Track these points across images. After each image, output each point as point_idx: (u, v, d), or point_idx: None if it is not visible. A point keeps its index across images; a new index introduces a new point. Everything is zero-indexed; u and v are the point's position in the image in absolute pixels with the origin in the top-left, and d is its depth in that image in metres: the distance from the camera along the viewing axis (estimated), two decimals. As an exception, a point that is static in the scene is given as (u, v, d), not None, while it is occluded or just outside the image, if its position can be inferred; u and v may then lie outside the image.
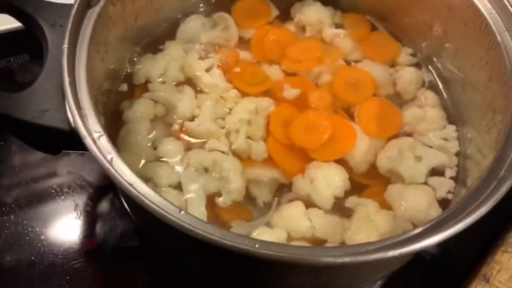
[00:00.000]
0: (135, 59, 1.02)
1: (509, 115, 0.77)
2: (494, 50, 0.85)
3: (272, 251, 0.62)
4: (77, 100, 0.72)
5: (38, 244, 1.01)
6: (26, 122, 0.74)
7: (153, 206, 0.63)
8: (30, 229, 1.02)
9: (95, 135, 0.70)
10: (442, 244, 0.97)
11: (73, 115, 0.69)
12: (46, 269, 0.98)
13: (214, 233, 0.62)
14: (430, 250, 1.04)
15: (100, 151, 0.68)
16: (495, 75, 0.86)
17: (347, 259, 0.61)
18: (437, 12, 0.98)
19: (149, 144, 0.92)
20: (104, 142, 0.70)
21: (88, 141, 0.67)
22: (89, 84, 0.75)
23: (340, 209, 0.89)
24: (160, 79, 1.00)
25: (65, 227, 1.03)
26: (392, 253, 0.62)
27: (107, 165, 0.66)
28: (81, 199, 1.06)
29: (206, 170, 0.90)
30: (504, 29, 0.85)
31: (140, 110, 0.94)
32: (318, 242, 0.85)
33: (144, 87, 1.00)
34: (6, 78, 1.20)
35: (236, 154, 0.93)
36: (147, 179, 0.86)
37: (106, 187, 1.07)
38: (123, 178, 0.65)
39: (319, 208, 0.88)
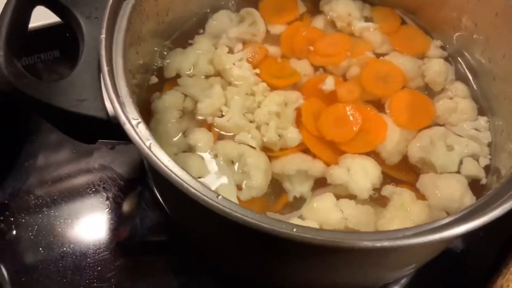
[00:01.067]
0: (165, 53, 1.04)
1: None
2: (528, 40, 0.85)
3: (310, 234, 0.63)
4: (115, 88, 0.73)
5: (70, 236, 1.02)
6: (64, 110, 0.75)
7: (193, 190, 0.64)
8: (62, 221, 1.04)
9: (134, 122, 0.71)
10: (469, 239, 1.02)
11: (112, 102, 0.71)
12: (78, 260, 1.00)
13: (253, 217, 0.63)
14: (457, 245, 1.04)
15: (140, 137, 0.69)
16: (527, 65, 0.86)
17: (386, 243, 0.61)
18: (467, 3, 0.98)
19: (179, 134, 0.93)
20: (142, 129, 0.71)
21: (128, 127, 0.68)
22: (126, 74, 0.76)
23: (374, 199, 0.90)
24: (190, 72, 1.01)
25: (96, 220, 1.05)
26: (430, 238, 0.62)
27: (147, 150, 0.67)
28: (111, 192, 1.07)
29: (232, 162, 0.91)
30: (539, 18, 0.85)
31: (168, 101, 0.95)
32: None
33: (174, 81, 1.01)
34: (38, 73, 1.22)
35: (268, 147, 0.94)
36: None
37: (136, 180, 1.09)
38: (163, 163, 0.66)
39: (357, 197, 0.88)
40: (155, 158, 0.66)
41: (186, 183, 0.65)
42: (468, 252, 1.04)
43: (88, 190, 1.07)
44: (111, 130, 0.76)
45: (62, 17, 0.88)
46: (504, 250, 1.00)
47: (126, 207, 1.07)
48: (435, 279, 1.02)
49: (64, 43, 1.14)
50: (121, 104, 0.72)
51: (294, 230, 0.63)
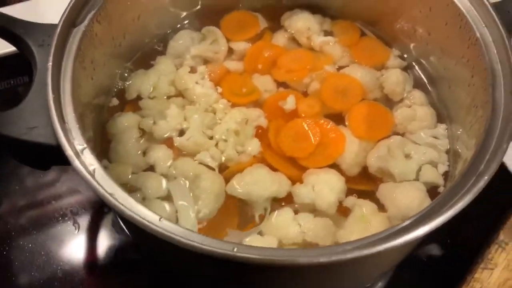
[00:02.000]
0: (126, 75, 1.05)
1: (489, 110, 0.77)
2: (474, 47, 0.86)
3: (250, 254, 0.63)
4: (61, 115, 0.75)
5: (40, 262, 1.03)
6: (14, 138, 0.76)
7: (132, 214, 0.65)
8: (32, 246, 1.04)
9: (79, 148, 0.72)
10: (441, 243, 1.02)
11: (56, 130, 0.72)
12: (48, 286, 1.01)
13: (192, 239, 0.64)
14: (430, 251, 1.05)
15: (82, 163, 0.70)
16: (476, 71, 0.86)
17: (322, 259, 0.62)
18: (419, 14, 0.99)
19: (138, 152, 0.94)
20: (87, 154, 0.72)
21: (70, 154, 0.70)
22: (74, 100, 0.78)
23: (337, 209, 0.90)
24: (151, 93, 1.02)
25: (65, 243, 1.05)
26: (367, 252, 0.63)
27: (88, 176, 0.68)
28: (79, 215, 1.08)
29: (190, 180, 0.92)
30: (483, 25, 0.85)
31: (126, 121, 0.97)
32: (311, 247, 0.86)
33: (136, 102, 1.02)
34: (7, 99, 1.24)
35: (226, 164, 0.95)
36: (136, 190, 0.88)
37: (103, 201, 1.09)
38: (103, 188, 0.67)
39: (324, 213, 0.89)
40: (95, 183, 0.67)
41: (126, 207, 0.66)
42: (435, 259, 1.04)
43: (56, 214, 1.08)
44: (62, 156, 0.77)
45: (17, 46, 0.89)
46: (469, 258, 1.00)
47: (94, 229, 1.07)
48: (404, 285, 1.03)
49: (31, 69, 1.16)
50: (66, 131, 0.73)
51: (235, 249, 0.64)
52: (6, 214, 1.09)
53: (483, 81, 0.83)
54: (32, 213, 1.09)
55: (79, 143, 0.73)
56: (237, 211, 0.91)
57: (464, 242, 1.04)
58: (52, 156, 0.79)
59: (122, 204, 0.66)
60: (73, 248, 1.05)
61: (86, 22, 0.86)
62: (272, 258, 0.62)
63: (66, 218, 1.07)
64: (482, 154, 0.73)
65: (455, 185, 0.72)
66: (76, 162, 0.69)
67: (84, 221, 1.08)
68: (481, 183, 0.69)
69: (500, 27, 0.83)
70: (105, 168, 0.88)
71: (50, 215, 1.08)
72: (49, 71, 0.78)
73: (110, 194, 0.67)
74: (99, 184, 0.68)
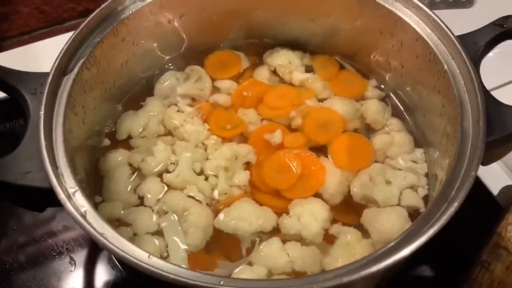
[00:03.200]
0: (117, 116, 1.10)
1: (458, 140, 0.81)
2: (443, 78, 0.90)
3: (235, 286, 0.67)
4: (53, 161, 0.79)
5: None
6: (10, 184, 0.80)
7: (122, 253, 0.69)
8: (28, 285, 1.07)
9: (70, 191, 0.76)
10: (429, 265, 1.06)
11: (48, 175, 0.76)
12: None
13: (180, 275, 0.67)
14: (416, 272, 1.08)
15: (74, 206, 0.74)
16: (446, 101, 0.91)
17: (305, 288, 0.65)
18: (392, 48, 1.04)
19: (128, 189, 0.98)
20: (79, 196, 0.76)
21: (62, 197, 0.74)
22: (66, 145, 0.82)
23: (323, 237, 0.94)
24: (141, 133, 1.07)
25: (62, 282, 1.08)
26: (347, 279, 0.66)
27: (79, 217, 0.72)
28: (75, 253, 1.10)
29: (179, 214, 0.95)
30: (450, 58, 0.90)
31: (118, 157, 1.01)
32: (300, 275, 0.89)
33: (126, 142, 1.07)
34: (5, 141, 1.28)
35: (219, 198, 0.99)
36: (128, 225, 0.93)
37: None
38: (94, 229, 0.71)
39: (309, 242, 0.93)
40: (85, 224, 0.71)
41: (115, 246, 0.69)
42: (423, 280, 1.07)
43: (52, 252, 1.11)
44: (55, 198, 0.81)
45: (11, 95, 0.94)
46: (455, 278, 1.03)
47: (90, 265, 1.10)
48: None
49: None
50: (59, 175, 0.77)
51: (221, 282, 0.67)
52: (4, 253, 1.12)
53: (453, 110, 0.87)
54: (29, 251, 1.12)
55: (71, 186, 0.77)
56: (226, 243, 0.95)
57: (449, 262, 1.07)
58: (47, 198, 0.82)
59: (112, 244, 0.70)
60: (70, 284, 1.07)
61: (76, 70, 0.90)
62: (254, 290, 0.66)
63: (62, 256, 1.10)
64: (454, 179, 0.77)
65: (429, 210, 0.75)
66: (68, 205, 0.73)
67: (80, 257, 1.10)
68: (452, 209, 0.72)
69: (466, 59, 0.87)
70: (99, 204, 0.95)
71: (47, 253, 1.11)
72: (41, 119, 0.82)
73: (101, 234, 0.70)
74: (90, 225, 0.71)
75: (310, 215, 0.94)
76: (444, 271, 1.07)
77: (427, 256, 1.08)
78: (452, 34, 0.91)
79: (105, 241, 0.70)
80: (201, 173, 1.01)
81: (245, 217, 0.93)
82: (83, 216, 0.73)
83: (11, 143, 1.21)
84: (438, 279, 1.07)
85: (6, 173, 0.81)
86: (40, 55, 1.43)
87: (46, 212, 1.13)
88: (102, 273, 1.09)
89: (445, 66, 0.90)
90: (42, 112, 0.82)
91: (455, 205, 0.73)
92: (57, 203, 0.78)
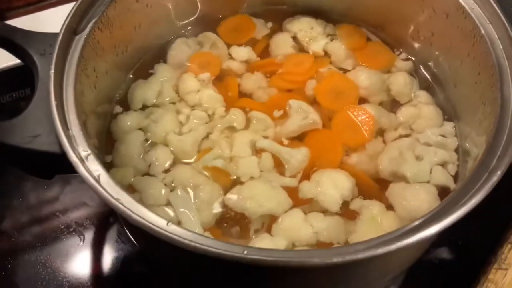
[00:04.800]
0: (128, 85, 1.04)
1: (497, 106, 0.76)
2: (480, 44, 0.85)
3: (260, 255, 0.62)
4: (64, 122, 0.74)
5: (46, 276, 1.01)
6: (17, 147, 0.75)
7: (140, 219, 0.64)
8: (38, 260, 1.03)
9: (83, 154, 0.71)
10: (452, 246, 1.01)
11: (59, 136, 0.71)
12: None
13: (202, 242, 0.62)
14: (441, 254, 1.03)
15: (88, 170, 0.69)
16: (482, 68, 0.85)
17: (335, 259, 0.60)
18: (423, 15, 0.99)
19: (141, 155, 0.93)
20: (92, 160, 0.71)
21: (74, 160, 0.68)
22: (77, 107, 0.77)
23: (343, 213, 0.88)
24: (156, 101, 1.01)
25: (72, 257, 1.04)
26: (381, 251, 0.61)
27: (93, 182, 0.67)
28: (85, 227, 1.07)
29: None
30: (488, 22, 0.85)
31: (130, 119, 0.97)
32: (324, 247, 0.84)
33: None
34: (10, 112, 1.23)
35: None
36: (138, 194, 0.88)
37: (108, 212, 1.08)
38: (109, 194, 0.66)
39: (326, 210, 0.87)
40: (101, 189, 0.66)
41: (133, 212, 0.64)
42: (447, 262, 1.02)
43: (61, 226, 1.06)
44: (66, 164, 0.75)
45: (18, 56, 0.89)
46: (482, 259, 0.98)
47: (100, 241, 1.06)
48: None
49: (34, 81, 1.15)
50: (70, 138, 0.72)
51: (245, 252, 0.62)
52: (10, 228, 1.08)
53: (490, 78, 0.82)
54: (36, 226, 1.08)
55: (84, 149, 0.72)
56: (236, 222, 0.89)
57: (475, 243, 1.03)
58: (56, 164, 0.78)
59: (129, 209, 0.65)
60: (79, 261, 1.03)
61: (87, 29, 0.86)
62: (284, 260, 0.61)
63: (71, 230, 1.06)
64: (493, 150, 0.72)
65: (466, 183, 0.70)
66: (81, 169, 0.68)
67: (89, 233, 1.06)
68: (494, 179, 0.67)
69: (505, 22, 0.82)
70: (109, 169, 0.89)
71: (54, 228, 1.07)
72: (51, 79, 0.77)
73: (117, 200, 0.66)
74: (105, 189, 0.66)
75: (330, 181, 0.89)
76: (470, 251, 1.03)
77: (452, 235, 1.04)
78: (491, -3, 0.85)
79: (121, 206, 0.65)
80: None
81: (256, 197, 0.87)
82: (97, 180, 0.68)
83: (15, 114, 1.19)
84: (463, 260, 1.02)
85: (12, 136, 0.77)
86: (44, 24, 1.36)
87: (52, 187, 1.12)
88: (112, 249, 1.05)
89: (482, 31, 0.84)
90: (52, 71, 0.77)
91: (498, 174, 0.68)
92: (68, 169, 0.73)
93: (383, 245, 0.62)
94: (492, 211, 0.92)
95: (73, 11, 0.85)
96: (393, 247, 0.61)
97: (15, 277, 1.02)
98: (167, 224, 0.65)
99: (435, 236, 0.64)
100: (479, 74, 0.87)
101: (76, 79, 0.80)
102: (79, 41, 0.84)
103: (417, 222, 0.66)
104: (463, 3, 0.88)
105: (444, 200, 0.69)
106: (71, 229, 1.06)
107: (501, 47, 0.82)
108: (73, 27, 0.84)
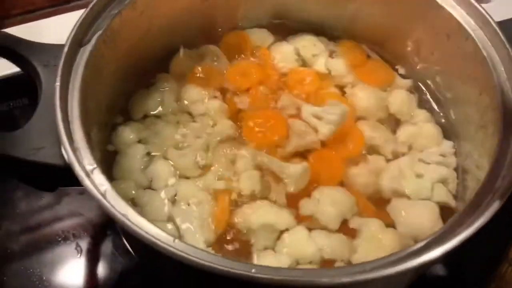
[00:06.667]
0: (130, 95, 1.04)
1: (500, 127, 0.77)
2: (481, 65, 0.86)
3: (267, 274, 0.62)
4: (70, 135, 0.73)
5: (42, 286, 0.99)
6: (20, 159, 0.75)
7: (147, 235, 0.63)
8: (33, 271, 1.01)
9: (88, 168, 0.70)
10: (451, 264, 1.01)
11: (66, 149, 0.70)
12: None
13: (209, 260, 0.62)
14: (438, 271, 1.04)
15: (94, 184, 0.68)
16: (483, 89, 0.86)
17: (344, 279, 0.60)
18: (424, 34, 1.00)
19: (142, 167, 0.93)
20: (97, 174, 0.70)
21: (81, 174, 0.68)
22: (82, 120, 0.76)
23: (344, 230, 0.88)
24: (157, 111, 1.02)
25: (67, 268, 1.02)
26: (390, 271, 0.61)
27: (99, 196, 0.66)
28: (81, 239, 1.05)
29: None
30: (490, 44, 0.86)
31: (130, 130, 0.96)
32: (329, 264, 0.84)
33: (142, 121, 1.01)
34: (5, 121, 1.22)
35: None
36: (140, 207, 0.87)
37: (105, 224, 1.07)
38: (116, 209, 0.65)
39: (326, 227, 0.87)
40: (107, 204, 0.65)
41: (140, 228, 0.64)
42: (446, 280, 1.03)
43: (57, 237, 1.05)
44: (69, 177, 0.75)
45: (22, 67, 0.88)
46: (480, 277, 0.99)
47: (96, 252, 1.05)
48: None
49: (32, 91, 1.14)
50: (76, 151, 0.71)
51: (253, 270, 0.62)
52: (3, 238, 1.06)
53: (492, 99, 0.83)
54: (30, 236, 1.06)
55: (89, 163, 0.71)
56: (237, 241, 0.89)
57: (473, 261, 1.03)
58: (59, 177, 0.77)
59: (136, 225, 0.64)
60: (74, 272, 1.02)
61: (93, 42, 0.85)
62: (292, 279, 0.61)
63: (68, 242, 1.04)
64: (497, 171, 0.73)
65: (471, 203, 0.71)
66: (87, 182, 0.67)
67: (86, 244, 1.05)
68: (498, 202, 0.68)
69: (507, 45, 0.84)
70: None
71: (51, 239, 1.05)
72: (57, 91, 0.76)
73: (123, 215, 0.65)
74: (111, 205, 0.66)
75: (329, 200, 0.89)
76: (468, 270, 1.03)
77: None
78: (493, 20, 0.86)
79: (127, 222, 0.64)
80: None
81: (258, 213, 0.88)
82: (103, 195, 0.67)
83: (10, 124, 1.18)
84: (461, 279, 1.02)
85: (16, 148, 0.76)
86: (42, 33, 1.36)
87: (48, 196, 1.10)
88: (109, 261, 1.03)
89: (484, 53, 0.86)
90: (58, 84, 0.77)
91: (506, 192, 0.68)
92: (72, 182, 0.73)
93: (391, 265, 0.62)
94: (489, 229, 0.94)
95: (78, 23, 0.84)
96: (401, 267, 0.61)
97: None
98: (173, 240, 0.64)
99: (442, 257, 0.64)
100: (481, 95, 0.88)
101: (80, 91, 0.79)
102: (84, 53, 0.84)
103: (423, 243, 0.66)
104: (464, 25, 0.89)
105: (448, 222, 0.70)
106: (68, 240, 1.05)
107: (502, 68, 0.83)
108: (79, 39, 0.84)
